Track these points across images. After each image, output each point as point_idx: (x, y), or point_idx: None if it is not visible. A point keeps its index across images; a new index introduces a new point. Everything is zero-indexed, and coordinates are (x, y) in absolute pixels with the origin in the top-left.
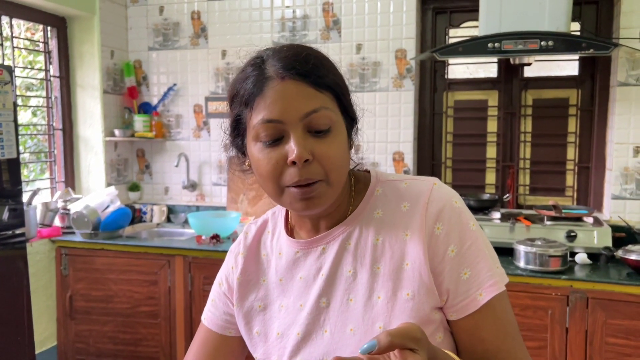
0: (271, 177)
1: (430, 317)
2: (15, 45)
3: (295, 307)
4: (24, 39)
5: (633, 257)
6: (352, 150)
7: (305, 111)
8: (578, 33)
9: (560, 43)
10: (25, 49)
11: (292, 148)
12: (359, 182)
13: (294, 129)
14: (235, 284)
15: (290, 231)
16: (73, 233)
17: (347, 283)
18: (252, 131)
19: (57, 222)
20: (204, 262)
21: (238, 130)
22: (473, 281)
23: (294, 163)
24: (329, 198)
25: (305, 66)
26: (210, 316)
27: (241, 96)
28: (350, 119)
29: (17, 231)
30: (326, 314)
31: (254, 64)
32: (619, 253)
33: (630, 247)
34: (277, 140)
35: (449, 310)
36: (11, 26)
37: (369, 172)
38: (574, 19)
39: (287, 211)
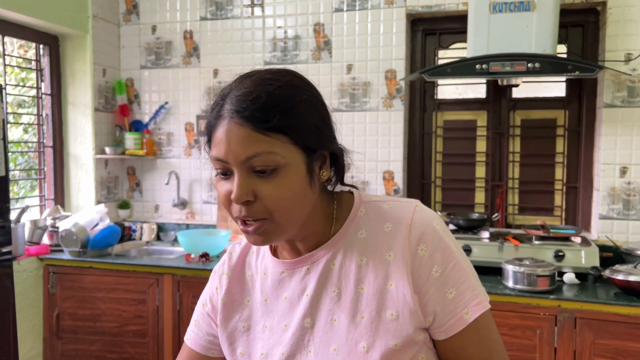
0: (224, 205)
1: (414, 337)
2: (7, 62)
3: (279, 327)
4: (16, 56)
5: (620, 277)
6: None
7: (246, 156)
8: (565, 55)
9: (547, 65)
10: (18, 66)
11: (233, 188)
12: (342, 203)
13: (238, 169)
14: (219, 304)
15: (274, 251)
16: (61, 251)
17: (332, 303)
18: (211, 160)
19: (45, 239)
20: (192, 281)
21: (207, 153)
22: (459, 301)
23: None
24: (277, 235)
25: (251, 109)
26: (193, 336)
27: (206, 125)
28: (315, 152)
29: (4, 249)
30: (310, 334)
31: (220, 94)
32: (607, 273)
33: (617, 267)
34: (227, 173)
35: (436, 331)
36: (3, 44)
37: (352, 192)
38: (560, 42)
39: None
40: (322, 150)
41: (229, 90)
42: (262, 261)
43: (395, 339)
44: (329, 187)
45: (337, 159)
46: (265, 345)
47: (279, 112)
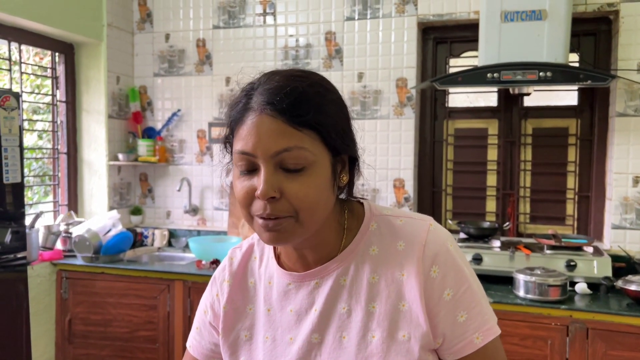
0: (243, 204)
1: (424, 358)
2: (23, 70)
3: (283, 340)
4: (32, 64)
5: (633, 287)
6: (352, 182)
7: (276, 149)
8: (577, 64)
9: (559, 74)
10: (33, 74)
11: (259, 183)
12: (353, 214)
13: (265, 164)
14: (221, 313)
15: (278, 260)
16: (74, 256)
17: (341, 320)
18: (233, 156)
19: (58, 245)
20: (203, 287)
21: (228, 150)
22: (470, 324)
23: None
24: (297, 235)
25: (285, 102)
26: (195, 344)
27: (229, 120)
28: (339, 154)
29: (19, 254)
30: (317, 350)
31: (245, 89)
32: (619, 283)
33: (630, 277)
34: (252, 170)
35: (445, 352)
36: (20, 51)
37: (362, 203)
38: (572, 50)
39: None
40: (346, 153)
41: (257, 85)
42: (267, 269)
43: (406, 359)
44: (342, 196)
45: (355, 165)
46: (267, 356)
47: (313, 108)
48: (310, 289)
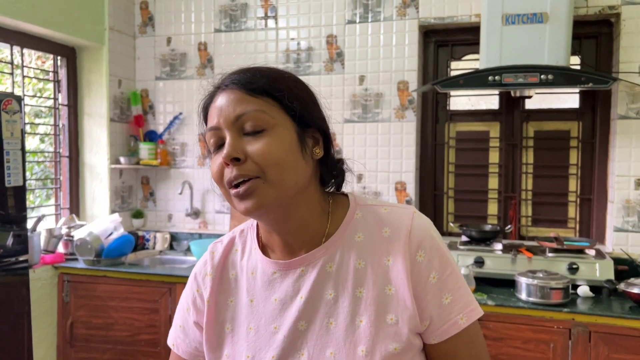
0: (217, 179)
1: (412, 341)
2: (25, 73)
3: (267, 329)
4: (34, 68)
5: (635, 290)
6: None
7: (235, 115)
8: (578, 67)
9: (560, 77)
10: (35, 77)
11: (224, 150)
12: (337, 203)
13: (229, 132)
14: (205, 307)
15: (263, 250)
16: (76, 260)
17: (328, 306)
18: (207, 142)
19: (60, 248)
20: None
21: (208, 147)
22: (454, 306)
23: (227, 164)
24: (269, 196)
25: (242, 76)
26: (180, 343)
27: (201, 111)
28: (307, 127)
29: (21, 258)
30: (304, 337)
31: (213, 84)
32: (622, 286)
33: (632, 280)
34: (221, 145)
35: (431, 335)
36: (22, 55)
37: (346, 195)
38: (574, 53)
39: (257, 229)
40: (313, 125)
41: (223, 76)
42: (249, 260)
43: (395, 342)
44: (327, 189)
45: (329, 143)
46: (251, 347)
47: (268, 78)
48: (296, 276)
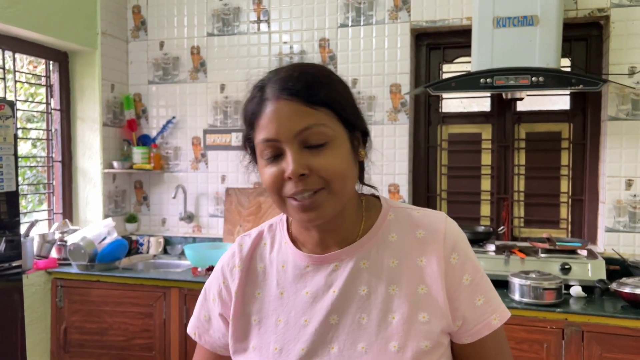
0: (273, 189)
1: (441, 340)
2: (17, 78)
3: (298, 322)
4: (26, 72)
5: (627, 290)
6: (368, 163)
7: (298, 129)
8: (569, 69)
9: (551, 79)
10: (28, 82)
11: (287, 164)
12: (370, 204)
13: (290, 146)
14: (232, 298)
15: (294, 243)
16: (69, 265)
17: (360, 302)
18: (257, 148)
19: (53, 253)
20: (199, 294)
21: (249, 148)
22: (487, 307)
23: (290, 178)
24: (332, 207)
25: (298, 85)
26: (203, 334)
27: (247, 116)
28: (354, 130)
29: (14, 263)
30: (335, 331)
31: (257, 86)
32: (614, 286)
33: (624, 280)
34: (277, 156)
35: (463, 335)
36: (14, 60)
37: (377, 197)
38: (564, 55)
39: (288, 224)
40: (360, 128)
41: (266, 80)
42: (279, 253)
43: (426, 340)
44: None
45: (367, 142)
46: (280, 339)
47: (323, 87)
48: (329, 271)
